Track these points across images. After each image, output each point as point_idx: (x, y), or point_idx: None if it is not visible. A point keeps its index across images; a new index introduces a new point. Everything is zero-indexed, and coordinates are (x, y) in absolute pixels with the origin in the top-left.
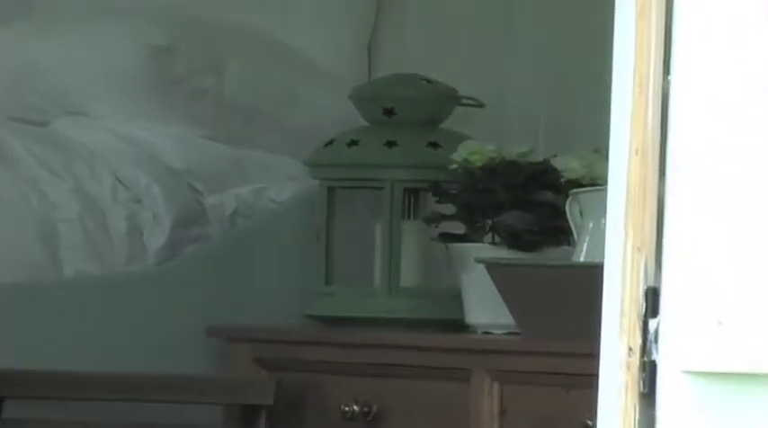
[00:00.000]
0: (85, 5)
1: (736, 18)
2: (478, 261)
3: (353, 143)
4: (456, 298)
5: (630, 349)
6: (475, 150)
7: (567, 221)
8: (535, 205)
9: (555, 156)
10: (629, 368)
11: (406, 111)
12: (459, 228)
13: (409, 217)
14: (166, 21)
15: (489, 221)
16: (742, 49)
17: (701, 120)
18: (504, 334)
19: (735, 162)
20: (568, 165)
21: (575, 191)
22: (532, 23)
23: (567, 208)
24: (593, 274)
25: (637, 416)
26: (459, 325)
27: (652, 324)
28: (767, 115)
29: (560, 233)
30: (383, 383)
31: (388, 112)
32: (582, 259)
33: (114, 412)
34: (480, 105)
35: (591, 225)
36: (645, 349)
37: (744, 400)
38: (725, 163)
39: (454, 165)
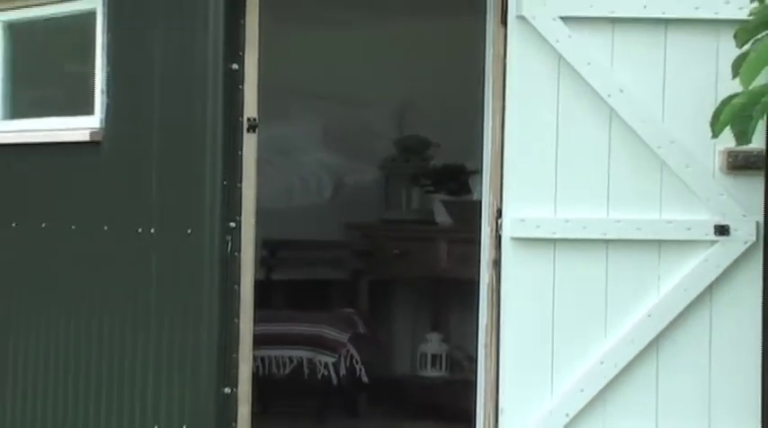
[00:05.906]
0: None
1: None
2: (440, 200)
3: (393, 160)
4: (431, 212)
5: (492, 230)
6: (438, 163)
7: (469, 186)
8: (459, 181)
9: (465, 162)
10: (491, 238)
11: (414, 148)
12: (431, 189)
13: (415, 185)
14: (334, 109)
15: (444, 187)
16: (532, 125)
17: (516, 150)
18: (448, 224)
19: (531, 163)
20: (470, 165)
21: (472, 175)
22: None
23: (469, 181)
24: (479, 204)
25: (492, 257)
26: (434, 222)
27: (500, 221)
28: (544, 144)
29: (468, 189)
30: (407, 242)
31: (408, 149)
32: (475, 199)
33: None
34: (438, 145)
35: (478, 187)
36: (497, 230)
37: (533, 249)
38: (526, 164)
39: (431, 167)
